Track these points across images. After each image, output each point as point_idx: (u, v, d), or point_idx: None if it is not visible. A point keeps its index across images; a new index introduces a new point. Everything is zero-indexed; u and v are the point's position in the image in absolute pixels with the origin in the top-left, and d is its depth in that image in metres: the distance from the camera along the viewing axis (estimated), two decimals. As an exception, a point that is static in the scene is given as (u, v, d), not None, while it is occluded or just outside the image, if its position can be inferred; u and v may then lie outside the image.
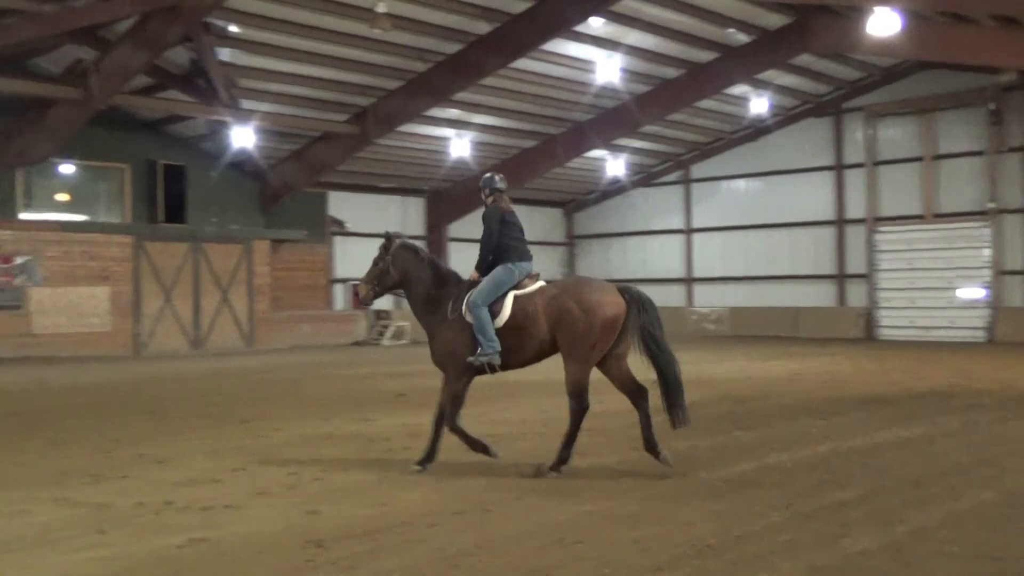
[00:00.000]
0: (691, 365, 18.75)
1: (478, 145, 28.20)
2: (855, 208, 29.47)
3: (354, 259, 30.24)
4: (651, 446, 7.78)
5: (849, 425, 10.63)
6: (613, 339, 7.75)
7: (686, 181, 33.52)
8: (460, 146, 27.54)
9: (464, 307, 8.01)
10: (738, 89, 27.00)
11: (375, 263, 8.55)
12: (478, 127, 27.23)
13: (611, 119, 27.70)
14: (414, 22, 21.06)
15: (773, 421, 11.05)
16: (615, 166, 32.08)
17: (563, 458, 7.85)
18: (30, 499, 7.08)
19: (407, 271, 8.42)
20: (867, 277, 28.98)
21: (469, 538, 5.91)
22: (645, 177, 33.94)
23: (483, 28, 21.69)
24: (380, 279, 8.50)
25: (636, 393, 7.85)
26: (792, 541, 5.80)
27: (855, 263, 29.50)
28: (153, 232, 24.28)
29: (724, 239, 32.58)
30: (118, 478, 7.90)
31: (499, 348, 7.86)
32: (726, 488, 7.32)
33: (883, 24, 20.72)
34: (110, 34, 20.05)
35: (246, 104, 23.28)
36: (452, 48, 22.50)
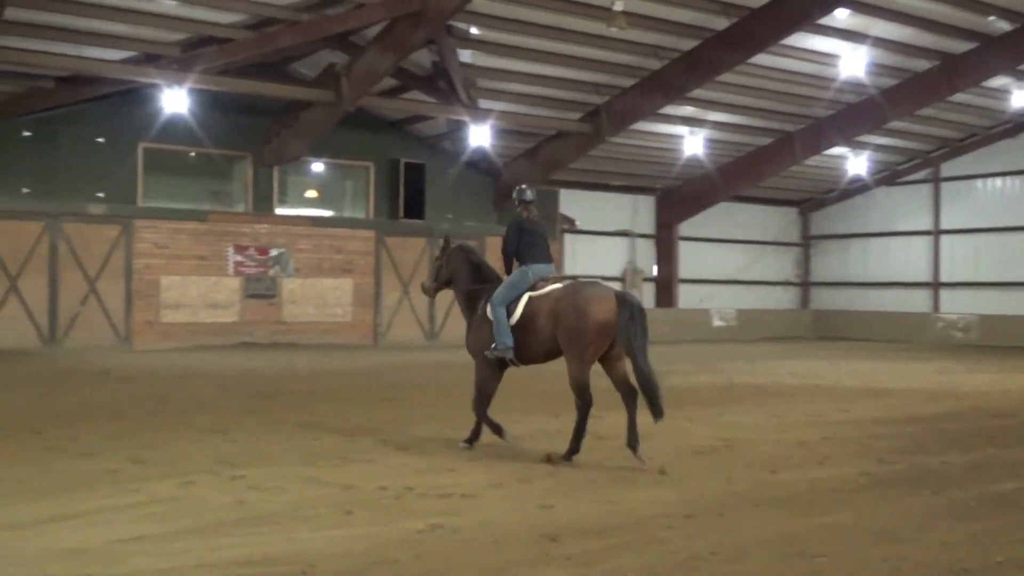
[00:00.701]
0: (939, 375, 17.74)
1: (712, 143, 27.71)
2: None
3: (584, 257, 30.50)
4: (631, 442, 8.47)
5: (1124, 448, 9.67)
6: (606, 341, 8.49)
7: (935, 180, 31.56)
8: (693, 144, 27.15)
9: (488, 305, 9.04)
10: (998, 81, 25.15)
11: (435, 260, 9.79)
12: (712, 124, 26.75)
13: (854, 115, 26.48)
14: (650, 19, 20.93)
15: (1034, 440, 10.22)
16: (856, 164, 30.65)
17: (573, 449, 8.58)
18: (284, 477, 7.57)
19: (455, 270, 9.58)
20: None
21: (704, 543, 5.81)
22: (889, 175, 32.24)
23: (721, 24, 21.27)
24: (436, 276, 9.74)
25: (627, 394, 8.63)
26: (1061, 572, 5.34)
27: None
28: (393, 227, 25.40)
29: (976, 241, 30.44)
30: (363, 461, 8.30)
31: (510, 344, 8.82)
32: (983, 508, 6.84)
33: None
34: (360, 39, 21.12)
35: (483, 104, 23.91)
36: (688, 44, 22.20)
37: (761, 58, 22.37)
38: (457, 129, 25.11)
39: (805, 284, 35.41)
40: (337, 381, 15.58)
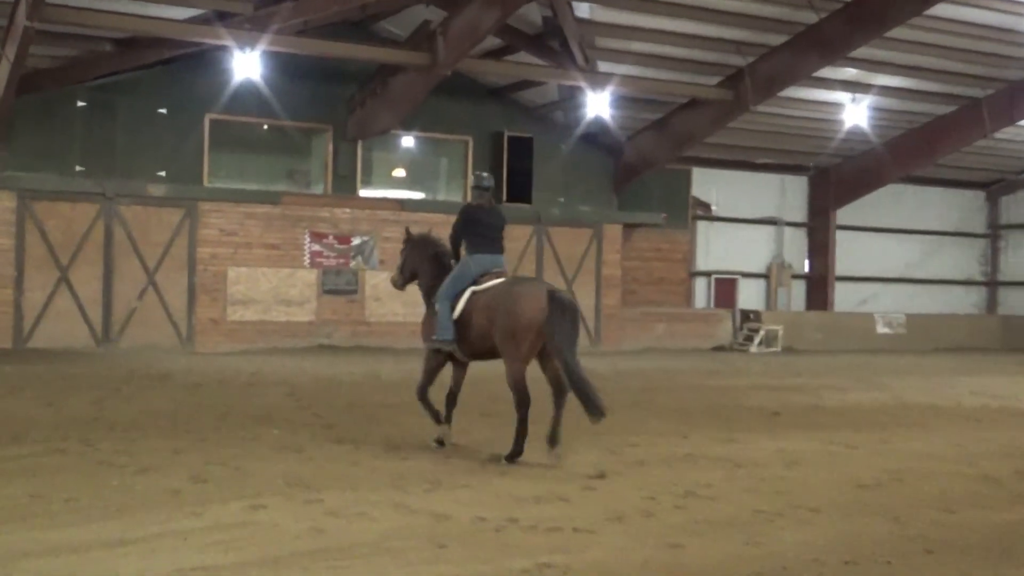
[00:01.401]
0: None
1: (878, 112, 27.09)
2: None
3: (720, 249, 30.24)
4: (552, 439, 9.66)
5: None
6: (539, 338, 9.58)
7: None
8: (855, 113, 26.58)
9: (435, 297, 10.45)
10: None
11: (400, 254, 11.37)
12: (880, 90, 26.14)
13: (1058, 77, 25.61)
14: (804, -37, 20.61)
15: None
16: (1060, 138, 29.66)
17: (516, 451, 9.63)
18: (367, 502, 7.69)
19: (417, 263, 11.03)
20: None
21: (866, 596, 5.69)
22: (1101, 152, 31.11)
23: (891, -33, 20.80)
24: (402, 269, 11.31)
25: (557, 392, 9.79)
26: None
27: None
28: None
29: None
30: (459, 487, 8.38)
31: (448, 338, 10.19)
32: None
33: None
34: (458, -9, 21.31)
35: (603, 67, 23.87)
36: (851, -7, 21.77)
37: (942, 8, 21.73)
38: (571, 97, 25.13)
39: (992, 284, 34.38)
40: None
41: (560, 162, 26.67)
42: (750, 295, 30.75)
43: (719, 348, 27.87)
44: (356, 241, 23.96)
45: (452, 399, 10.71)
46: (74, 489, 7.91)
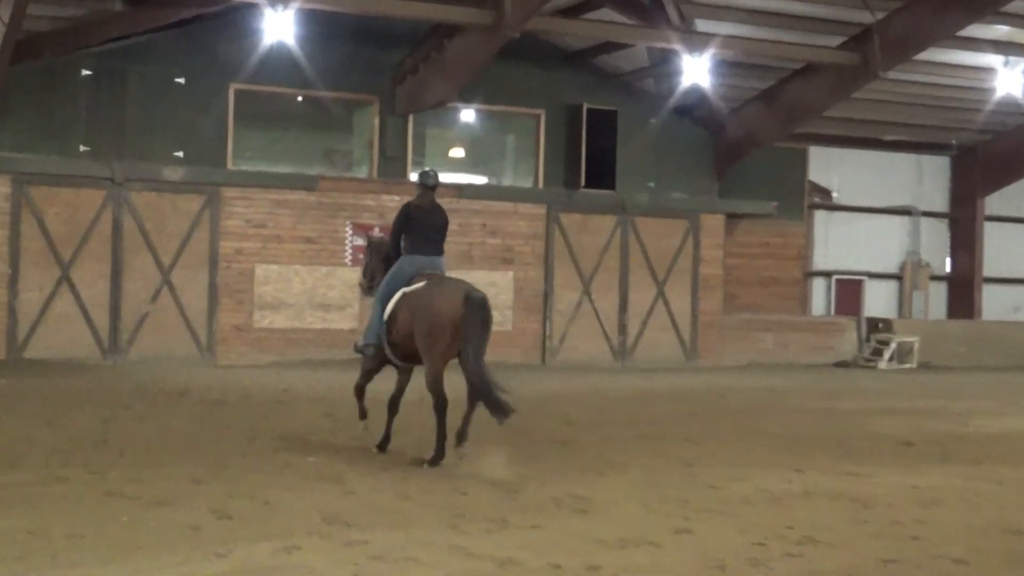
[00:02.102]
0: None
1: (1037, 79, 26.70)
2: None
3: (841, 243, 30.02)
4: (460, 435, 11.18)
5: None
6: (455, 339, 11.07)
7: None
8: (1009, 80, 26.19)
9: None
10: None
11: (364, 258, 13.10)
12: (1038, 52, 25.76)
13: None
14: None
15: None
16: None
17: (438, 454, 11.07)
18: (418, 543, 7.73)
19: (375, 267, 12.46)
20: None
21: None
22: None
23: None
24: (364, 273, 12.79)
25: (472, 392, 11.18)
26: None
27: None
28: (571, 200, 25.56)
29: None
30: (527, 527, 8.40)
31: (371, 342, 11.81)
32: None
33: None
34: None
35: (701, 25, 23.77)
36: (1003, -65, 21.48)
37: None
38: (663, 62, 25.05)
39: None
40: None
41: (649, 140, 26.56)
42: (878, 300, 30.47)
43: (841, 364, 27.61)
44: (406, 234, 24.06)
45: (392, 405, 12.00)
46: (78, 524, 8.04)
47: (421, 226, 11.83)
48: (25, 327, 21.32)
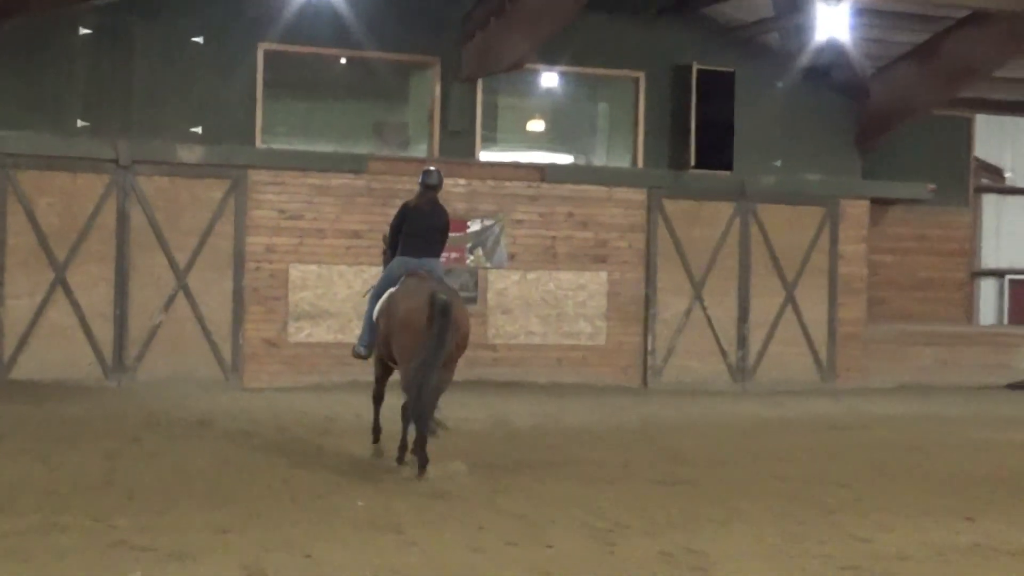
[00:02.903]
0: None
1: None
2: None
3: (1017, 235, 29.69)
4: (406, 449, 13.45)
5: None
6: (415, 342, 12.82)
7: None
8: None
9: None
10: None
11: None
12: None
13: None
14: None
15: None
16: None
17: (421, 462, 12.81)
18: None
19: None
20: None
21: None
22: None
23: None
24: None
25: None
26: None
27: None
28: (678, 183, 25.48)
29: None
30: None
31: (365, 342, 14.24)
32: None
33: None
34: None
35: (839, -34, 23.62)
36: None
37: None
38: (791, 12, 24.89)
39: None
40: (583, 446, 15.92)
41: (775, 108, 26.35)
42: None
43: (1017, 386, 27.24)
44: (475, 227, 24.14)
45: (404, 413, 13.38)
46: (81, 583, 8.13)
47: (416, 228, 14.17)
48: (12, 342, 21.55)
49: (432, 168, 14.67)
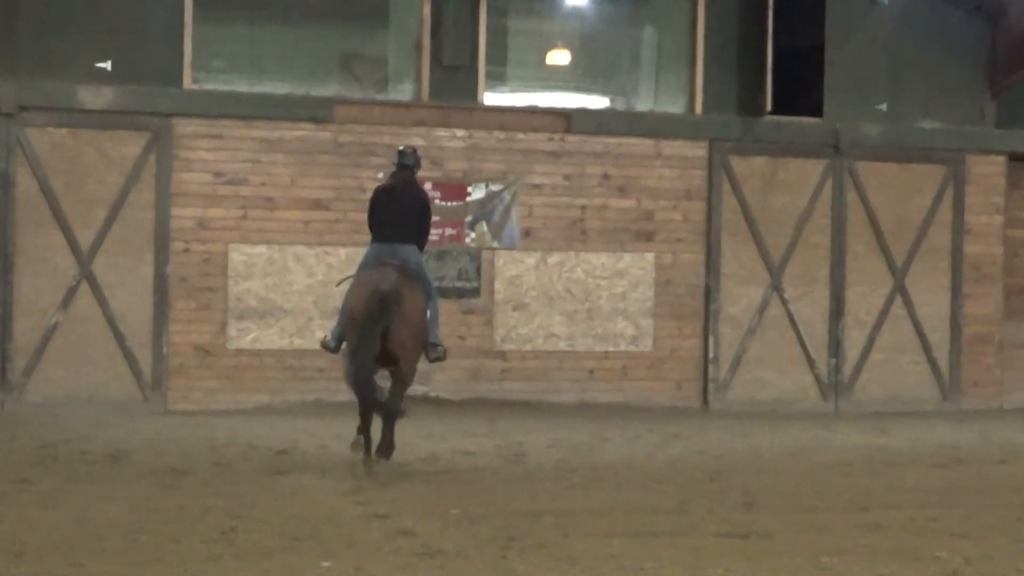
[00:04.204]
0: None
1: None
2: None
3: None
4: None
5: None
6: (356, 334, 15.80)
7: None
8: None
9: None
10: None
11: None
12: None
13: None
14: None
15: None
16: None
17: (388, 444, 16.09)
18: None
19: None
20: None
21: None
22: None
23: None
24: None
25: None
26: None
27: None
28: (750, 135, 25.55)
29: None
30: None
31: (336, 334, 16.53)
32: None
33: None
34: None
35: None
36: None
37: None
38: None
39: None
40: (622, 488, 15.93)
41: (879, 37, 26.44)
42: None
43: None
44: (478, 194, 24.19)
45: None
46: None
47: (386, 211, 16.61)
48: None
49: (406, 147, 17.34)
